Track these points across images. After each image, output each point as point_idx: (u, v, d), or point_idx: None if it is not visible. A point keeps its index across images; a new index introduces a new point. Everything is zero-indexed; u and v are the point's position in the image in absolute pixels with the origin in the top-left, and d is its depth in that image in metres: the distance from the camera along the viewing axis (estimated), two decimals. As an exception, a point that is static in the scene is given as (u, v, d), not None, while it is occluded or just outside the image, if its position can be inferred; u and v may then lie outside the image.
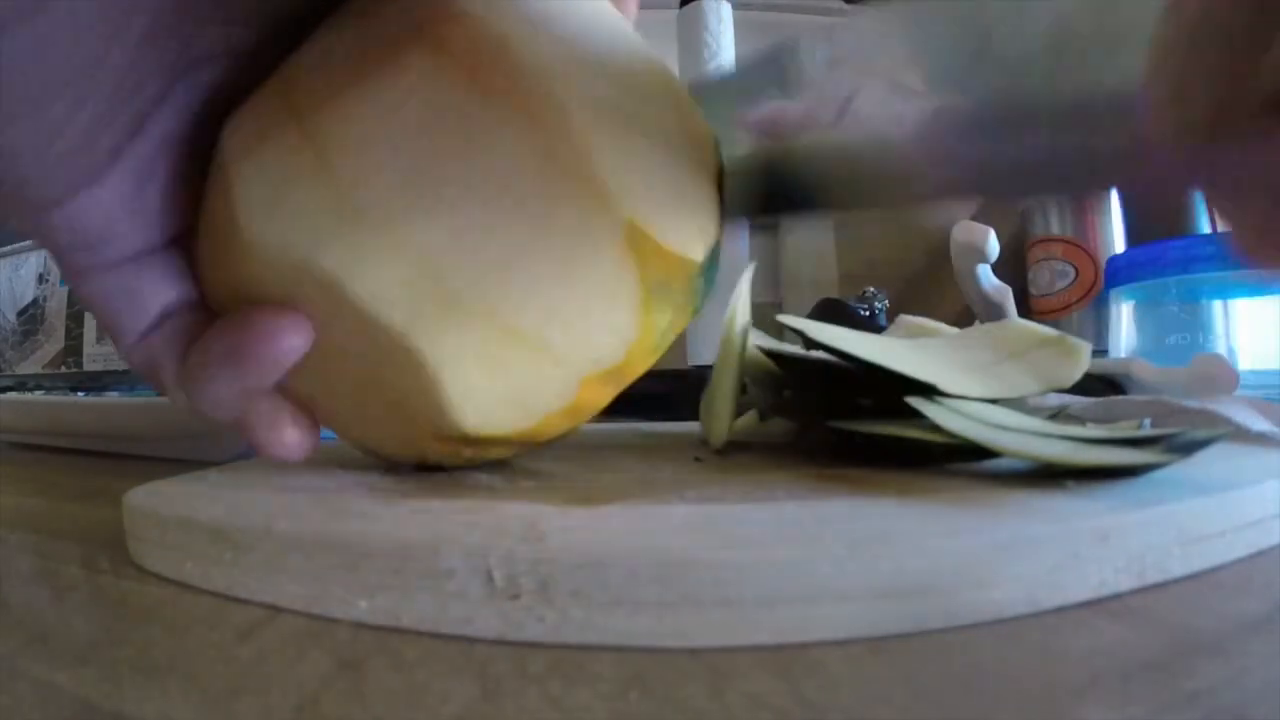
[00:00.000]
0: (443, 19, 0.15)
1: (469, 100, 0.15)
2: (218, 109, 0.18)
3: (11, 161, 0.14)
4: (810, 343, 0.22)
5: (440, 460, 0.20)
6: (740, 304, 0.24)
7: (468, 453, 0.19)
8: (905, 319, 0.31)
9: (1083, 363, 0.23)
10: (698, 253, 0.17)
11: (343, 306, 0.15)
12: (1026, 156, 0.15)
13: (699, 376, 0.45)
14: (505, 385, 0.17)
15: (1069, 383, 0.22)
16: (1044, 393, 0.22)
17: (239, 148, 0.16)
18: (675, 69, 0.61)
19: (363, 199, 0.15)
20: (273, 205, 0.15)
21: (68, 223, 0.16)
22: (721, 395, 0.24)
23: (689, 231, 0.17)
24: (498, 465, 0.21)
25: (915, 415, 0.19)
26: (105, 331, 0.19)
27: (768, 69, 0.20)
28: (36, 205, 0.16)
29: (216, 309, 0.18)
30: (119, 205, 0.16)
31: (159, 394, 0.19)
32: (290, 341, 0.16)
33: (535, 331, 0.16)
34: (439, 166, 0.15)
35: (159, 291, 0.18)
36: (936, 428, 0.18)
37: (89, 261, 0.17)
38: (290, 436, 0.18)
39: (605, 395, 0.19)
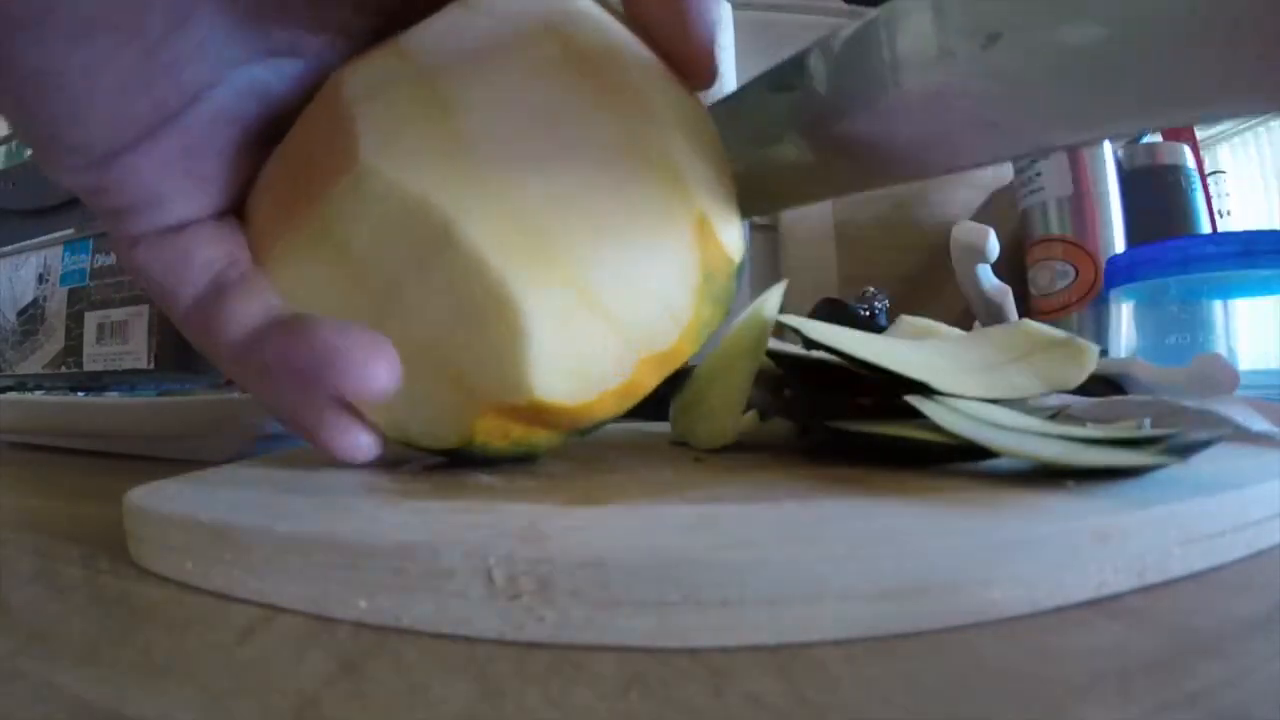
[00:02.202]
0: (570, 23, 0.18)
1: (581, 87, 0.17)
2: (275, 108, 0.18)
3: (59, 94, 0.15)
4: (810, 343, 0.22)
5: (483, 443, 0.19)
6: (770, 301, 0.24)
7: (516, 432, 0.19)
8: (907, 319, 0.31)
9: (1088, 365, 0.23)
10: (738, 253, 0.20)
11: (444, 253, 0.16)
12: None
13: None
14: (575, 352, 0.17)
15: (1073, 384, 0.22)
16: (1045, 394, 0.22)
17: (363, 89, 0.17)
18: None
19: (482, 151, 0.16)
20: (397, 142, 0.17)
21: (120, 181, 0.16)
22: (723, 394, 0.24)
23: (735, 233, 0.19)
24: (499, 466, 0.21)
25: (915, 415, 0.19)
26: (158, 302, 0.19)
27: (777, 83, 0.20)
28: (89, 154, 0.16)
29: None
30: (173, 166, 0.17)
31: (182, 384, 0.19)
32: (382, 379, 0.16)
33: (611, 302, 0.17)
34: (550, 136, 0.17)
35: (210, 259, 0.18)
36: (936, 428, 0.18)
37: (139, 228, 0.17)
38: (363, 439, 0.18)
39: (652, 381, 0.19)
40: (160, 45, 0.15)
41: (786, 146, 0.21)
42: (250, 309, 0.17)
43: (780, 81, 0.20)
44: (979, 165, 0.18)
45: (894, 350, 0.22)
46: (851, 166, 0.20)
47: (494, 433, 0.19)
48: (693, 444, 0.25)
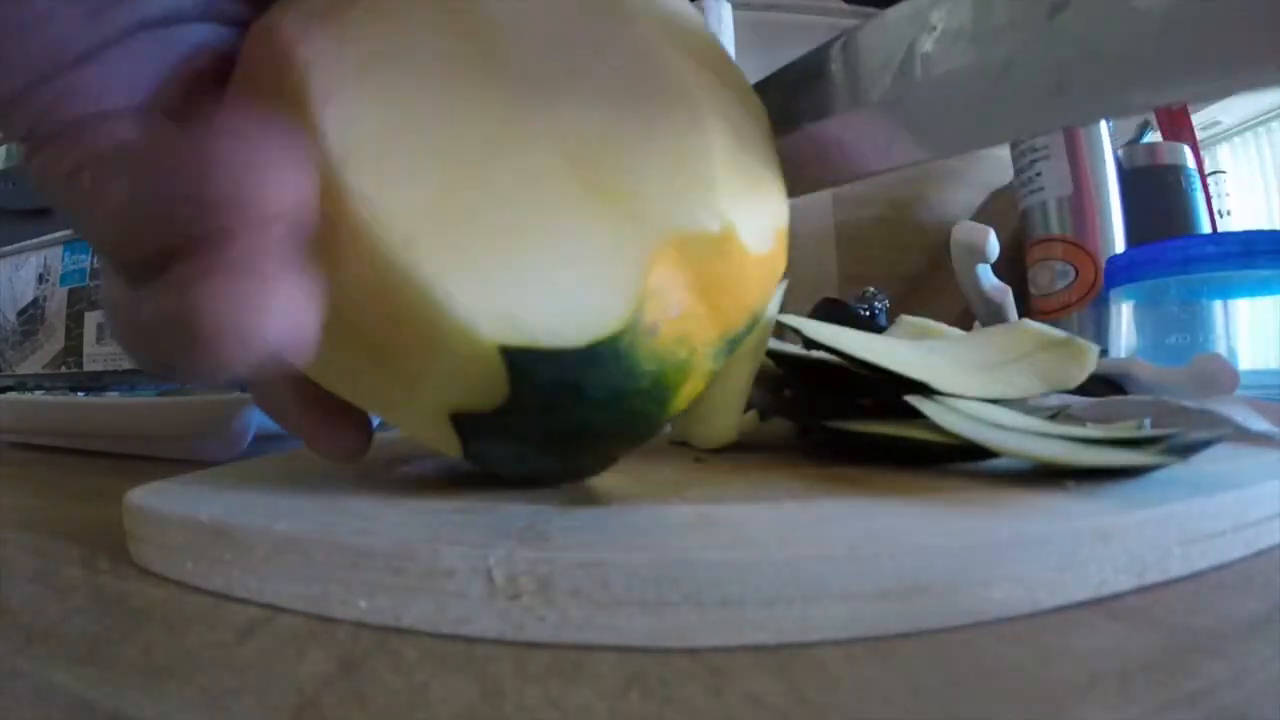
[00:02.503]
0: None
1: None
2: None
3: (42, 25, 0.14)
4: (809, 342, 0.22)
5: (645, 338, 0.15)
6: (770, 301, 0.24)
7: (682, 318, 0.16)
8: (907, 319, 0.31)
9: (1088, 365, 0.23)
10: None
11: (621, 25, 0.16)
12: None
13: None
14: (747, 183, 0.17)
15: (1073, 384, 0.22)
16: (1046, 394, 0.22)
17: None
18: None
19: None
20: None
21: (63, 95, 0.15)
22: (724, 394, 0.24)
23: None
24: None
25: (915, 415, 0.19)
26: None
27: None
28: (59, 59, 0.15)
29: None
30: (114, 85, 0.15)
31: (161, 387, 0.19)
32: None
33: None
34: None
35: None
36: (936, 428, 0.18)
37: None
38: (344, 440, 0.18)
39: (780, 264, 0.18)
40: None
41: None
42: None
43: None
44: (1047, 130, 0.17)
45: (894, 350, 0.22)
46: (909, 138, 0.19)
47: (661, 305, 0.14)
48: (693, 444, 0.25)
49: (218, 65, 0.17)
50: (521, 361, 0.13)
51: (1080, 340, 0.24)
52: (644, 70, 0.16)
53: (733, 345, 0.16)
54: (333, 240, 0.13)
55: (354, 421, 0.18)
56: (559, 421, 0.14)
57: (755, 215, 0.16)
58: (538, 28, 0.16)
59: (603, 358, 0.13)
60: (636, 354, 0.14)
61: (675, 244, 0.14)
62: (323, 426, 0.18)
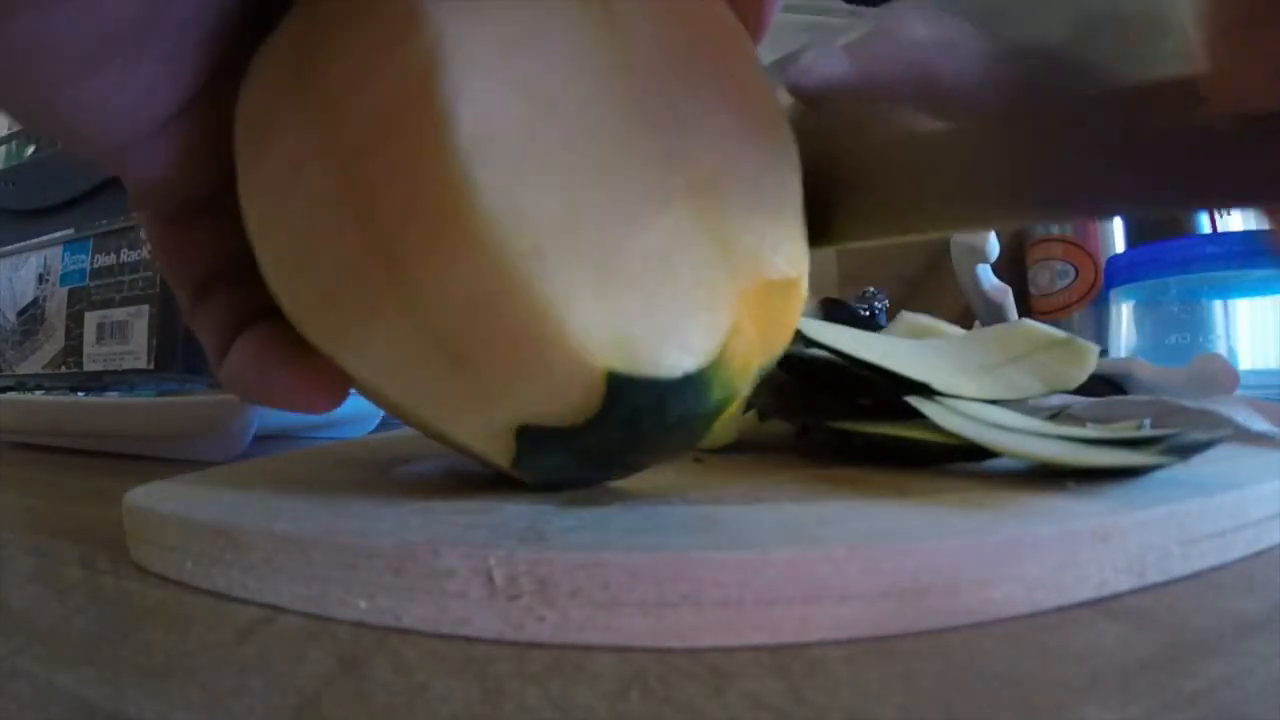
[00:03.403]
0: None
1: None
2: None
3: (83, 117, 0.15)
4: (810, 342, 0.22)
5: (726, 371, 0.15)
6: None
7: (752, 348, 0.16)
8: (906, 316, 0.31)
9: (1089, 365, 0.23)
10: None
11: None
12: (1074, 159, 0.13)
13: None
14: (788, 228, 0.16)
15: (1072, 385, 0.22)
16: (1046, 394, 0.22)
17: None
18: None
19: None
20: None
21: (141, 163, 0.16)
22: None
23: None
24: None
25: (915, 415, 0.19)
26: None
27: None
28: (105, 148, 0.16)
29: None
30: (196, 150, 0.16)
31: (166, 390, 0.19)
32: (320, 408, 0.17)
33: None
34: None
35: (206, 253, 0.18)
36: (936, 428, 0.18)
37: (155, 205, 0.17)
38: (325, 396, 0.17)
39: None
40: (179, 41, 0.15)
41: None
42: (231, 313, 0.18)
43: None
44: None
45: (891, 350, 0.22)
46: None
47: (739, 341, 0.14)
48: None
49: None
50: (621, 387, 0.13)
51: (1081, 341, 0.24)
52: (751, 103, 0.16)
53: (765, 371, 0.16)
54: (438, 237, 0.13)
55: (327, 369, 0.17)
56: (629, 440, 0.14)
57: (809, 258, 0.16)
58: (661, 32, 0.15)
59: (689, 387, 0.14)
60: (713, 384, 0.14)
61: (761, 287, 0.15)
62: (301, 376, 0.17)
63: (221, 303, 0.18)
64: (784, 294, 0.15)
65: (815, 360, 0.23)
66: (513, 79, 0.13)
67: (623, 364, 0.13)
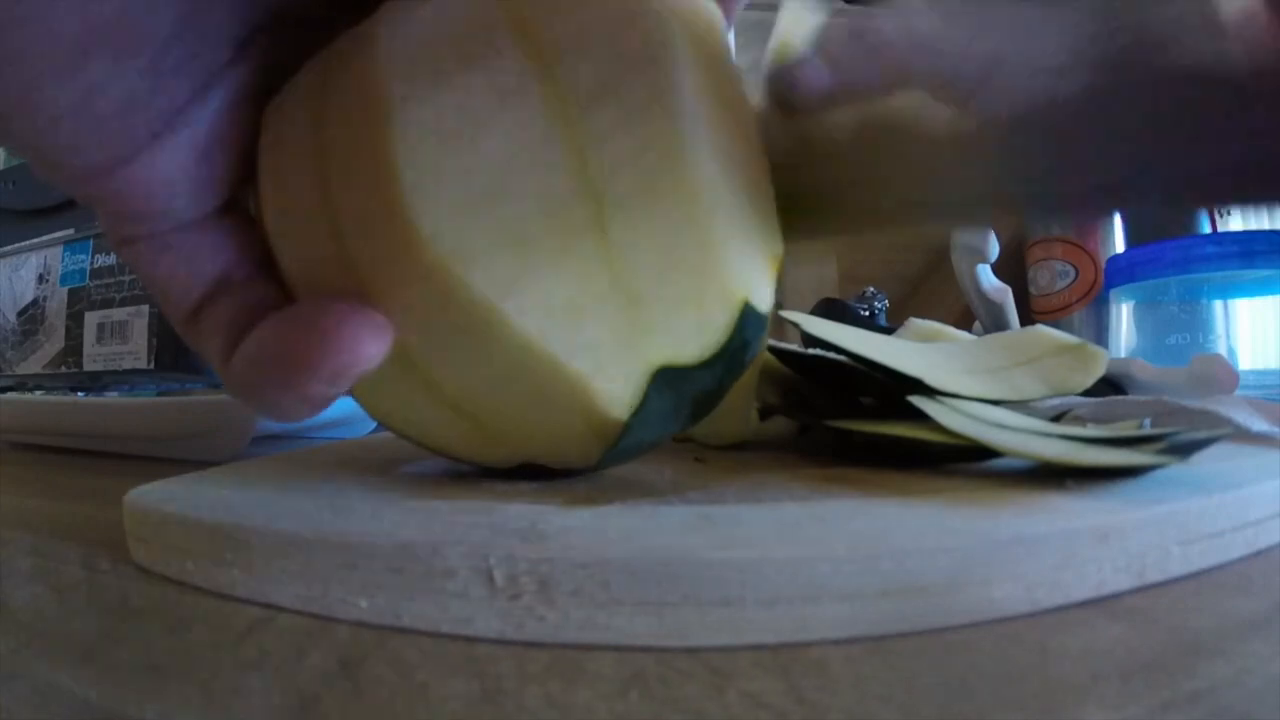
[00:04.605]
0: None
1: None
2: (289, 72, 0.16)
3: (52, 126, 0.13)
4: (809, 339, 0.22)
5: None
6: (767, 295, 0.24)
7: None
8: (916, 322, 0.31)
9: (1097, 371, 0.23)
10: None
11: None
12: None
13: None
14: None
15: (1079, 389, 0.22)
16: (1048, 397, 0.22)
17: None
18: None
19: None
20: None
21: (119, 191, 0.15)
22: (736, 391, 0.23)
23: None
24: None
25: (917, 416, 0.19)
26: (158, 302, 0.17)
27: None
28: (84, 172, 0.15)
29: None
30: (180, 173, 0.15)
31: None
32: (367, 350, 0.14)
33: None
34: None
35: (211, 262, 0.17)
36: (937, 427, 0.18)
37: (137, 231, 0.16)
38: (372, 347, 0.16)
39: None
40: (164, 53, 0.14)
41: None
42: (243, 317, 0.16)
43: None
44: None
45: (894, 349, 0.22)
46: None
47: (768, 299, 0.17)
48: (702, 442, 0.25)
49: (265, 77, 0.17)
50: (745, 317, 0.16)
51: (1092, 346, 0.24)
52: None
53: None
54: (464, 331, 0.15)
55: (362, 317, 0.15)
56: (725, 378, 0.17)
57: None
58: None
59: (764, 324, 0.17)
60: (767, 326, 0.17)
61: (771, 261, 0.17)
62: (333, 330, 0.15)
63: (230, 305, 0.17)
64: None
65: (820, 359, 0.23)
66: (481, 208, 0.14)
67: (751, 297, 0.16)
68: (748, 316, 0.16)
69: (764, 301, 0.16)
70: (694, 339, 0.16)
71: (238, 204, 0.17)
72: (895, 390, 0.20)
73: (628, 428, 0.16)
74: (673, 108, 0.15)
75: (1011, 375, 0.22)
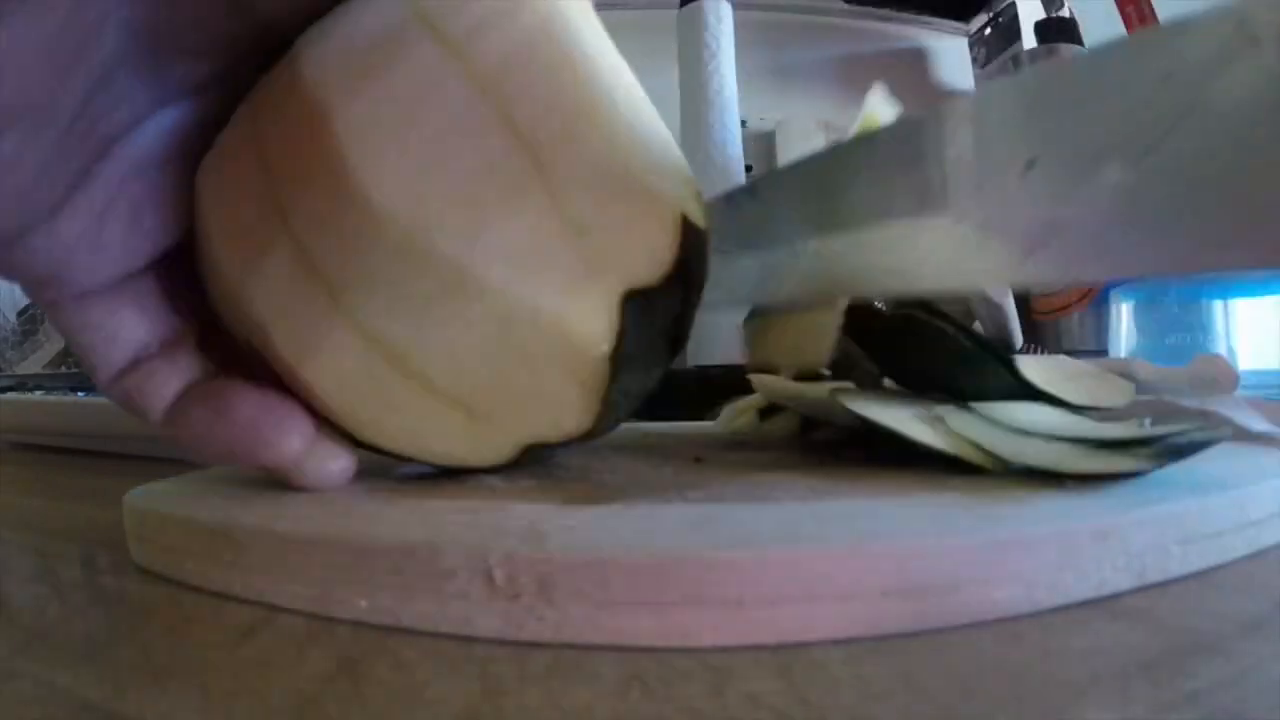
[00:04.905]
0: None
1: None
2: (204, 131, 0.17)
3: None
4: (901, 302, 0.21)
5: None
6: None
7: None
8: None
9: (1128, 391, 0.23)
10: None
11: None
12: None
13: (700, 377, 0.45)
14: None
15: (1117, 406, 0.22)
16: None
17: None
18: (675, 69, 0.61)
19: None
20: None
21: (28, 260, 0.15)
22: (821, 320, 0.23)
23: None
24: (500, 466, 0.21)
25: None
26: (82, 366, 0.17)
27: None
28: (5, 231, 0.14)
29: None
30: (78, 238, 0.15)
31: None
32: (295, 447, 0.16)
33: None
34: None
35: (129, 337, 0.17)
36: (939, 430, 0.18)
37: (55, 296, 0.16)
38: (333, 466, 0.17)
39: None
40: (81, 114, 0.14)
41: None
42: (170, 385, 0.17)
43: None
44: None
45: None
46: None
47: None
48: (781, 367, 0.24)
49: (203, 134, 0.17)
50: (687, 233, 0.17)
51: (1114, 375, 0.24)
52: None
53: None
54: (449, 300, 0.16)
55: (339, 439, 0.17)
56: (688, 301, 0.18)
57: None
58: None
59: (706, 240, 0.18)
60: (710, 244, 0.19)
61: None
62: (301, 465, 0.17)
63: (154, 373, 0.17)
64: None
65: (917, 319, 0.21)
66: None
67: (686, 211, 0.17)
68: (689, 231, 0.17)
69: (699, 218, 0.18)
70: (647, 258, 0.17)
71: (160, 270, 0.17)
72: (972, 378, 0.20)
73: (614, 368, 0.17)
74: (573, 63, 0.16)
75: (1065, 388, 0.22)
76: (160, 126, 0.16)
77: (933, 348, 0.20)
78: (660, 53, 0.57)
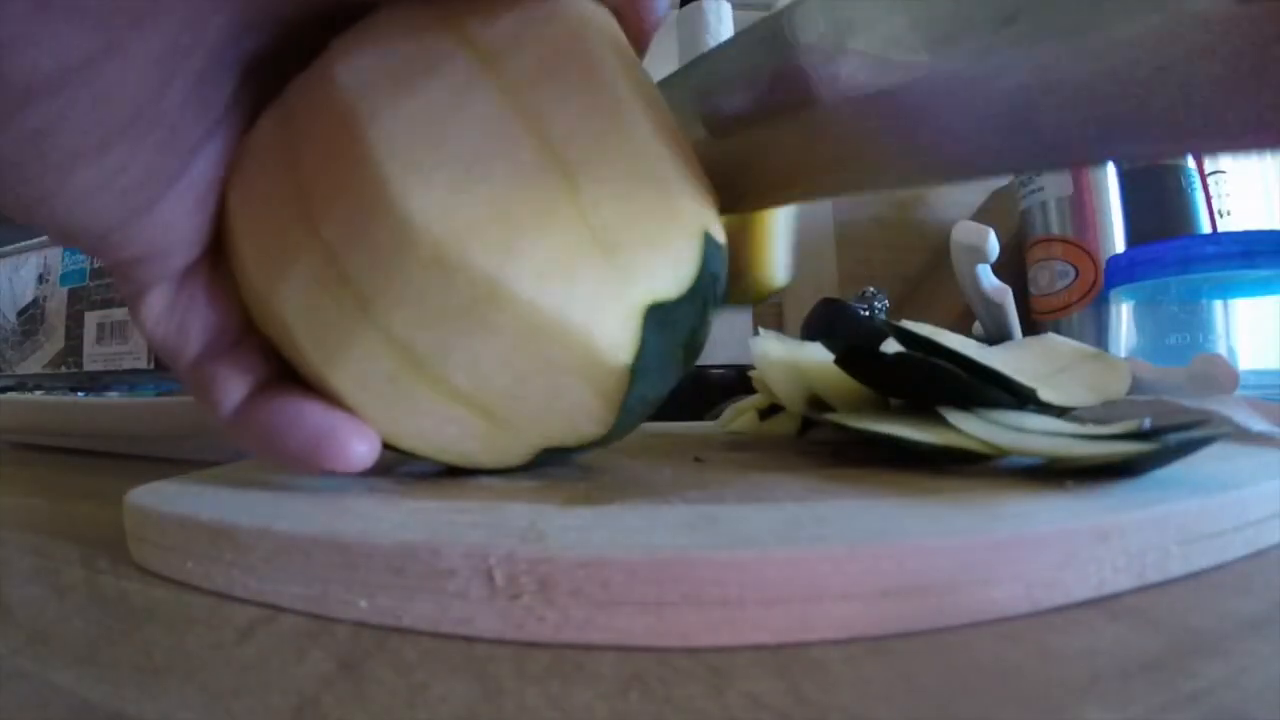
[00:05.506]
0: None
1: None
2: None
3: (81, 204, 0.15)
4: (902, 334, 0.22)
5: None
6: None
7: None
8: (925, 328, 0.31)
9: (1126, 378, 0.23)
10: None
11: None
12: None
13: (700, 377, 0.45)
14: None
15: (1119, 395, 0.22)
16: (1098, 403, 0.22)
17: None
18: (675, 69, 0.61)
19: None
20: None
21: (123, 242, 0.16)
22: (765, 240, 0.24)
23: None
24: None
25: (916, 417, 0.19)
26: (161, 355, 0.19)
27: (762, 44, 0.20)
28: (100, 235, 0.16)
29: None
30: (182, 219, 0.17)
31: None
32: (364, 457, 0.17)
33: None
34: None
35: (205, 324, 0.18)
36: (942, 430, 0.18)
37: (145, 276, 0.17)
38: (360, 449, 0.17)
39: None
40: (179, 118, 0.15)
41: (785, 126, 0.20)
42: (237, 387, 0.18)
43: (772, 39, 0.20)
44: (1005, 171, 0.17)
45: (987, 354, 0.22)
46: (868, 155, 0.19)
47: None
48: (742, 299, 0.25)
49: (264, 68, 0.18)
50: (707, 247, 0.18)
51: (1110, 355, 0.24)
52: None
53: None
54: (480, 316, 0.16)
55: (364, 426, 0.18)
56: (704, 311, 0.19)
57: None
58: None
59: (723, 253, 0.19)
60: (723, 260, 0.19)
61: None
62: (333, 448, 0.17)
63: (225, 365, 0.18)
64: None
65: (908, 357, 0.22)
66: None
67: (709, 228, 0.18)
68: (710, 246, 0.18)
69: (719, 235, 0.19)
70: (671, 273, 0.17)
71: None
72: (970, 393, 0.20)
73: (633, 377, 0.17)
74: (604, 78, 0.17)
75: (1061, 381, 0.22)
76: (239, 117, 0.17)
77: (931, 385, 0.21)
78: (660, 53, 0.57)
